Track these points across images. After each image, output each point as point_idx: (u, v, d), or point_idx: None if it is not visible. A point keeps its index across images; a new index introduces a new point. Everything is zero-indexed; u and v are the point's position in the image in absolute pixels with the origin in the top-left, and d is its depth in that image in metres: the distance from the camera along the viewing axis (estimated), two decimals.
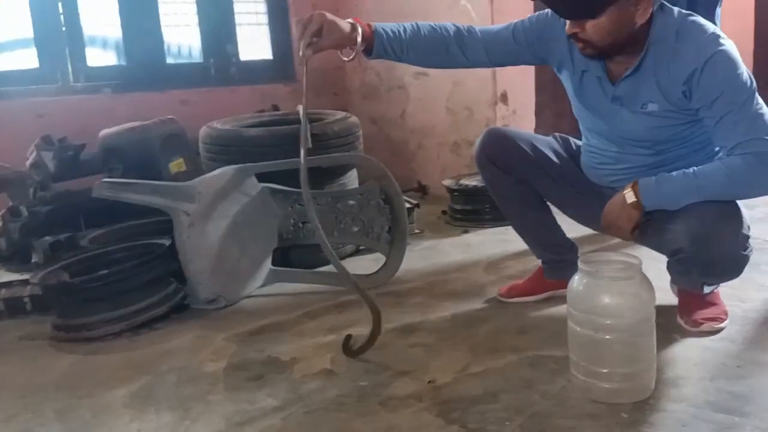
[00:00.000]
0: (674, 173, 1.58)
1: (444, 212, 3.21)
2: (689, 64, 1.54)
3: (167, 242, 2.14)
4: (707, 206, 1.54)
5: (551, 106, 3.46)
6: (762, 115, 1.51)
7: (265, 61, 3.91)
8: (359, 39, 1.62)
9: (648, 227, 1.67)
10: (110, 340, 1.94)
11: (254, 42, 3.91)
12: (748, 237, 1.59)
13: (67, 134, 2.78)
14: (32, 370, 1.78)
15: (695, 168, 1.56)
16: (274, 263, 2.28)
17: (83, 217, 2.67)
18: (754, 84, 1.53)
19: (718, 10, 2.39)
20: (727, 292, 1.88)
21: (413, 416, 1.42)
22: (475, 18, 3.25)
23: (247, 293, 2.20)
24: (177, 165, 2.78)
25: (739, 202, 1.60)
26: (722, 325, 1.73)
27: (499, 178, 1.91)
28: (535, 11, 3.22)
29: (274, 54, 3.92)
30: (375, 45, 1.68)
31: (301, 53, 1.58)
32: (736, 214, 1.57)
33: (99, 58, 3.45)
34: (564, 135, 2.01)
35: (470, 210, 3.04)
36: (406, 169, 3.82)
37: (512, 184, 1.90)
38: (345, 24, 1.61)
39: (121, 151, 2.74)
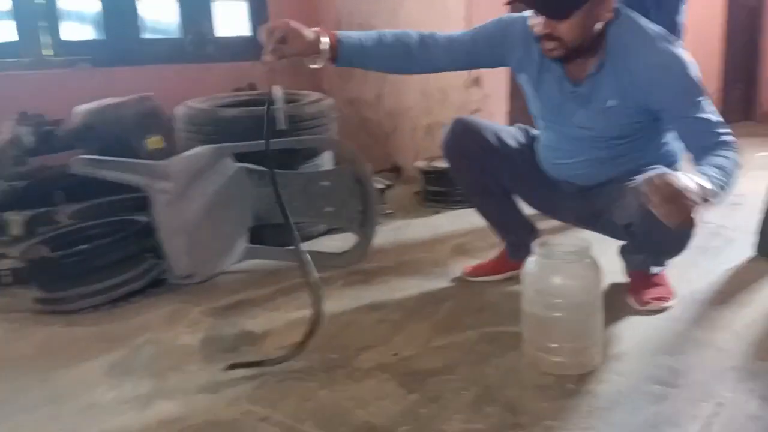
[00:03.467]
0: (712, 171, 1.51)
1: (417, 193, 3.30)
2: (647, 64, 1.64)
3: (144, 219, 2.20)
4: None
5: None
6: (713, 111, 1.63)
7: (242, 38, 3.92)
8: (325, 48, 1.66)
9: (603, 210, 1.79)
10: (88, 313, 2.00)
11: (231, 18, 3.91)
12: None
13: (42, 109, 2.80)
14: (12, 341, 1.85)
15: (717, 166, 1.55)
16: (249, 241, 2.36)
17: (60, 192, 2.71)
18: (704, 87, 1.65)
19: (683, 7, 2.50)
20: (674, 274, 2.01)
21: (377, 386, 1.52)
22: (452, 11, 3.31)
23: (222, 269, 2.27)
24: (154, 142, 2.81)
25: None
26: (668, 304, 1.86)
27: (464, 166, 2.00)
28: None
29: (251, 30, 3.93)
30: (340, 54, 1.72)
31: (264, 58, 1.60)
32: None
33: (75, 31, 3.44)
34: (525, 126, 2.10)
35: (442, 192, 3.13)
36: (381, 150, 3.90)
37: (477, 172, 1.99)
38: (309, 32, 1.64)
39: (97, 128, 2.77)
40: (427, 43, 1.84)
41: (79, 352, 1.77)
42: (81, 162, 2.14)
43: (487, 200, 2.08)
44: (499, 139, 1.97)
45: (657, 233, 1.69)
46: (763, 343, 1.66)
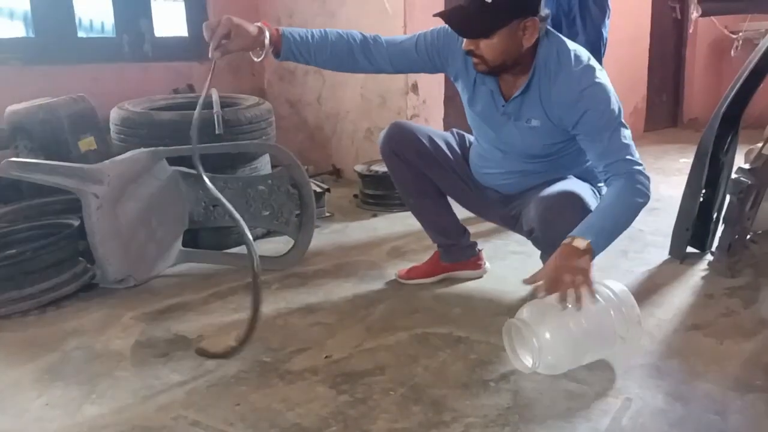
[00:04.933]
0: (594, 221, 1.64)
1: (356, 196, 3.35)
2: (569, 91, 1.72)
3: (76, 222, 2.17)
4: (553, 191, 1.77)
5: (459, 97, 3.65)
6: (628, 142, 1.72)
7: (180, 38, 3.89)
8: (267, 42, 1.72)
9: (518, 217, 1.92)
10: (17, 318, 1.97)
11: (169, 18, 3.87)
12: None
13: None
14: None
15: (605, 208, 1.68)
16: (184, 244, 2.36)
17: None
18: (622, 114, 1.73)
19: (607, 22, 2.65)
20: (595, 276, 2.12)
21: (308, 388, 1.56)
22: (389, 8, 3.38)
23: (156, 273, 2.26)
24: (87, 143, 2.76)
25: (588, 194, 1.80)
26: None
27: (400, 168, 2.07)
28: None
29: (189, 31, 3.90)
30: (283, 48, 1.78)
31: (210, 55, 1.66)
32: (578, 200, 1.76)
33: (5, 29, 3.35)
34: (461, 131, 2.18)
35: (380, 195, 3.19)
36: (321, 152, 3.94)
37: (412, 174, 2.07)
38: (252, 27, 1.70)
39: (28, 129, 2.70)
40: (370, 44, 1.89)
41: (8, 358, 1.74)
42: (11, 165, 2.09)
43: (421, 201, 2.15)
44: (433, 143, 2.04)
45: (553, 241, 1.77)
46: (671, 341, 1.78)
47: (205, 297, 2.13)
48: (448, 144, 2.09)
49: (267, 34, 1.73)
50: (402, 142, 2.04)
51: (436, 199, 2.14)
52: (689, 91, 5.92)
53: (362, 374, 1.62)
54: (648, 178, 1.70)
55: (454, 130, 2.19)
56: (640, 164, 1.71)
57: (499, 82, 1.84)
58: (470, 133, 2.12)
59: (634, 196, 1.66)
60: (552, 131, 1.82)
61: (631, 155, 1.71)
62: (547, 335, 1.53)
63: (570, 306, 1.53)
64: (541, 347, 1.52)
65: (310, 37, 1.82)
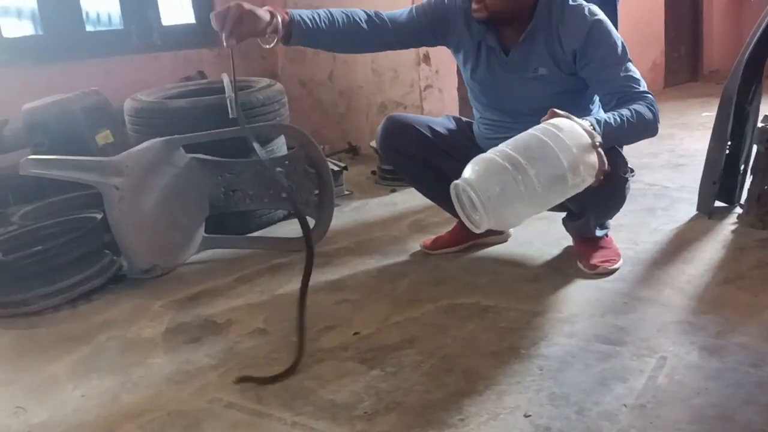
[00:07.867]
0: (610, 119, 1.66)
1: (373, 172, 3.33)
2: (580, 26, 1.76)
3: (99, 216, 2.19)
4: None
5: None
6: (639, 77, 1.77)
7: (188, 26, 3.87)
8: (280, 27, 1.68)
9: None
10: (49, 314, 2.00)
11: (176, 5, 3.85)
12: (626, 162, 1.82)
13: None
14: None
15: (621, 114, 1.68)
16: (207, 230, 2.36)
17: (11, 193, 2.67)
18: (627, 51, 1.79)
19: None
20: (622, 236, 2.10)
21: (338, 365, 1.56)
22: None
23: (182, 261, 2.28)
24: (104, 137, 2.77)
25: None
26: (615, 266, 1.94)
27: (403, 162, 2.06)
28: None
29: (197, 18, 3.88)
30: (293, 33, 1.73)
31: (225, 44, 1.60)
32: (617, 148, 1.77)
33: (14, 28, 3.35)
34: (456, 116, 2.16)
35: None
36: (336, 131, 3.91)
37: (416, 165, 2.05)
38: (263, 12, 1.65)
39: (45, 126, 2.72)
40: (375, 23, 1.87)
41: (43, 353, 1.77)
42: (30, 163, 2.11)
43: (432, 187, 2.13)
44: (432, 130, 2.02)
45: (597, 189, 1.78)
46: (703, 296, 1.75)
47: (232, 281, 2.14)
48: (448, 129, 2.06)
49: (279, 19, 1.68)
50: (401, 137, 2.01)
51: (446, 181, 2.10)
52: (708, 42, 5.76)
53: (392, 348, 1.62)
54: (657, 110, 1.73)
55: (448, 115, 2.16)
56: (652, 94, 1.75)
57: (499, 41, 1.84)
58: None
59: (648, 111, 1.69)
60: (559, 78, 1.82)
61: (645, 88, 1.75)
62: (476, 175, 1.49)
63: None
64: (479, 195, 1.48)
65: (318, 21, 1.78)
